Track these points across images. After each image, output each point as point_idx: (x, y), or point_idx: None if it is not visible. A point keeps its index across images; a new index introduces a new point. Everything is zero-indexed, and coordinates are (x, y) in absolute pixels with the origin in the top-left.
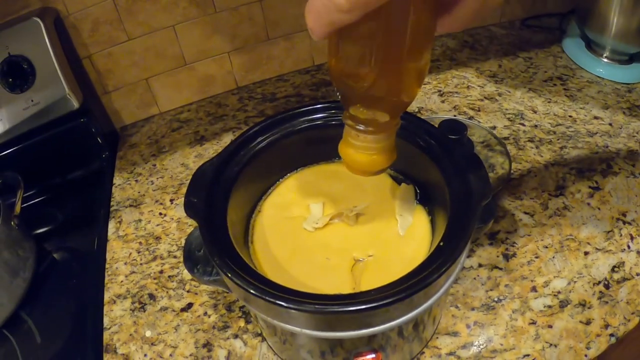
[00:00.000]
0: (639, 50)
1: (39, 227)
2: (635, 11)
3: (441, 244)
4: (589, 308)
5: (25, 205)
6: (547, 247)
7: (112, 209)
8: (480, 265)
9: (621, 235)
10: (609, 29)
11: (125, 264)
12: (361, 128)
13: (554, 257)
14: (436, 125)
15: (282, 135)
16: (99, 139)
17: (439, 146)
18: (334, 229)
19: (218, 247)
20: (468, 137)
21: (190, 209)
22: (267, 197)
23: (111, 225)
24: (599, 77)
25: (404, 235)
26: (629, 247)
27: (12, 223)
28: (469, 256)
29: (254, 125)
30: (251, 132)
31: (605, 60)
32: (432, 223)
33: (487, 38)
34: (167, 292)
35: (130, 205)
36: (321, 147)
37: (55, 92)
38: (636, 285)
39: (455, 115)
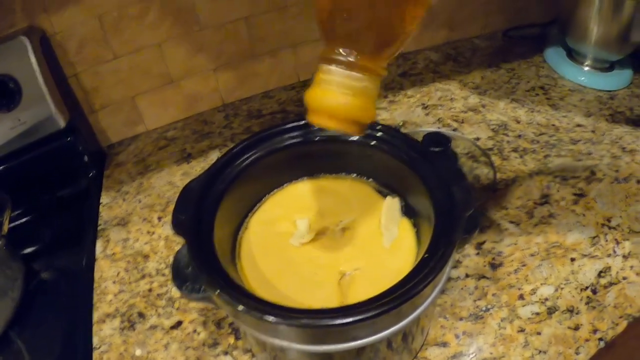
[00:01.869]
0: (619, 57)
1: (27, 247)
2: (615, 19)
3: (426, 255)
4: (577, 314)
5: (12, 224)
6: (533, 255)
7: (99, 228)
8: (467, 276)
9: (607, 240)
10: (589, 37)
11: (114, 282)
12: (341, 58)
13: (540, 265)
14: (420, 139)
15: (267, 152)
16: (85, 158)
17: (422, 159)
18: (320, 243)
19: (206, 264)
20: (452, 149)
21: (177, 226)
22: (253, 214)
23: (99, 245)
24: (581, 85)
25: (390, 247)
26: (614, 251)
27: (0, 243)
28: (455, 267)
29: (240, 142)
30: (237, 149)
31: (587, 68)
32: (418, 235)
33: (469, 50)
34: (156, 310)
35: (118, 224)
36: (306, 163)
37: (41, 111)
38: (623, 289)
39: (439, 128)
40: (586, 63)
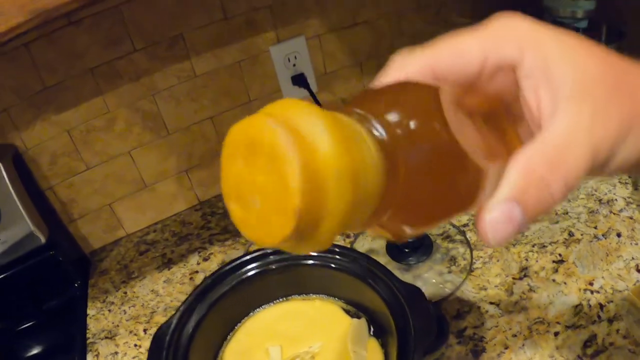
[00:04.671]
0: None
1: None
2: None
3: None
4: None
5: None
6: (515, 336)
7: (88, 341)
8: None
9: (590, 307)
10: None
11: None
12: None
13: (523, 345)
14: None
15: (232, 287)
16: (69, 270)
17: (384, 280)
18: None
19: None
20: (425, 233)
21: None
22: (227, 344)
23: (89, 359)
24: None
25: None
26: (599, 317)
27: None
28: None
29: (207, 278)
30: (202, 287)
31: None
32: (387, 354)
33: None
34: None
35: (106, 337)
36: (272, 289)
37: (20, 229)
38: (611, 355)
39: None
40: None
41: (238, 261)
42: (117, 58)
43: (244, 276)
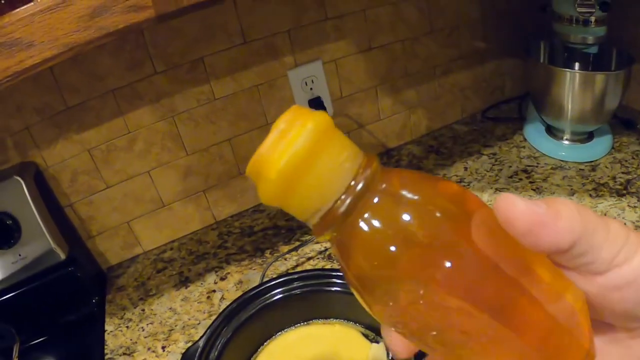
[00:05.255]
0: (597, 127)
1: None
2: (587, 93)
3: None
4: None
5: (20, 347)
6: None
7: (106, 357)
8: None
9: None
10: (565, 114)
11: None
12: None
13: None
14: None
15: (256, 311)
16: (87, 286)
17: None
18: None
19: None
20: None
21: None
22: None
23: None
24: (562, 160)
25: None
26: None
27: None
28: None
29: (233, 302)
30: (230, 309)
31: (566, 142)
32: None
33: (450, 139)
34: None
35: (124, 354)
36: (298, 311)
37: (41, 245)
38: None
39: None
40: (565, 137)
41: (263, 286)
42: (138, 80)
43: (269, 301)
